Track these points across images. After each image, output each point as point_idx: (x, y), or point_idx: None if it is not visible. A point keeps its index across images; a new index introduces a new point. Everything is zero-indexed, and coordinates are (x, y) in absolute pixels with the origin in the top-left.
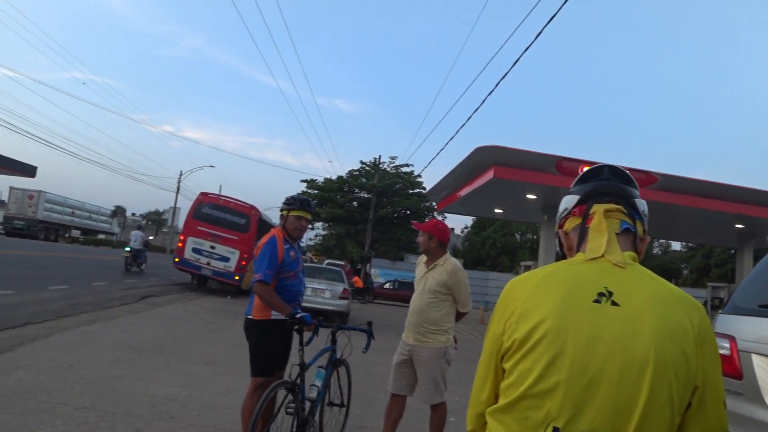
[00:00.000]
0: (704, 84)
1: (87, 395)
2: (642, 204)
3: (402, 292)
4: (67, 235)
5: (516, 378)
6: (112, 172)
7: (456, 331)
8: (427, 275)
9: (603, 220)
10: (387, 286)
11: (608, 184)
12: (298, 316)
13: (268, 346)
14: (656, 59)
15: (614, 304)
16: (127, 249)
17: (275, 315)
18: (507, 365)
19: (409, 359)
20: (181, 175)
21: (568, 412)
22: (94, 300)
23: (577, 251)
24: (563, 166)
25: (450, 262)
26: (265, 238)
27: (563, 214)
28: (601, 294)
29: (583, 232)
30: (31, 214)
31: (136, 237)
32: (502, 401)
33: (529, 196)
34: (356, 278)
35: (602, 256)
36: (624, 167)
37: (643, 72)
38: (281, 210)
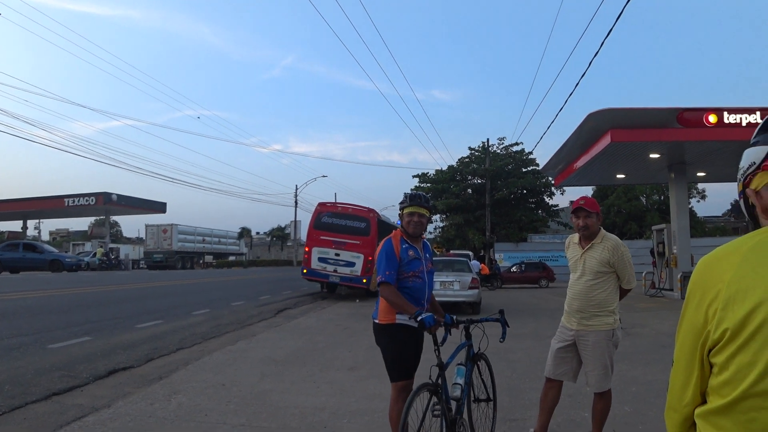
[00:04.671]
0: None
1: (242, 412)
2: None
3: (529, 274)
4: (201, 261)
5: (733, 374)
6: (233, 197)
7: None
8: (585, 256)
9: None
10: (514, 269)
11: None
12: (419, 318)
13: (399, 350)
14: None
15: None
16: None
17: (400, 319)
18: (718, 359)
19: (573, 344)
20: (296, 189)
21: None
22: (235, 319)
23: None
24: (686, 117)
25: (609, 239)
26: (381, 243)
27: (750, 170)
28: None
29: None
30: (167, 247)
31: None
32: (716, 402)
33: (652, 155)
34: (482, 265)
35: None
36: None
37: None
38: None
